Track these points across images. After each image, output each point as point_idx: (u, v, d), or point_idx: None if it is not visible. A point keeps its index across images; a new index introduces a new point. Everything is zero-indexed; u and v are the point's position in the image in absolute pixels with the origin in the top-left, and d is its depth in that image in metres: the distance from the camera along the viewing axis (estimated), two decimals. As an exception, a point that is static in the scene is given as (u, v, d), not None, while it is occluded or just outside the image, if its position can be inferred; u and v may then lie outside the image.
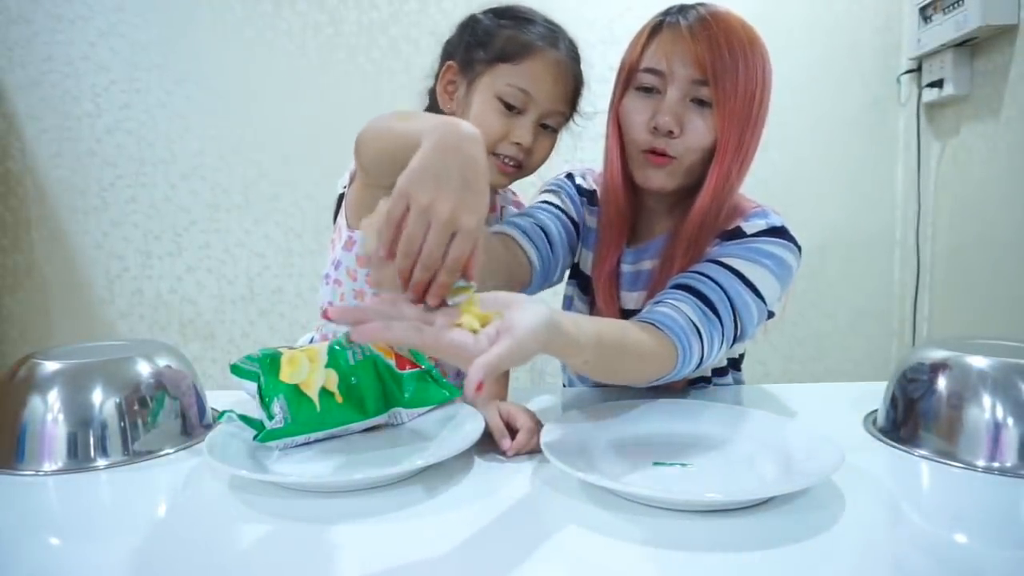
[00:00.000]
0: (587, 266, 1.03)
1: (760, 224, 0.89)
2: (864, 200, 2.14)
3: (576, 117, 1.01)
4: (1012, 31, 1.65)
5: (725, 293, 0.82)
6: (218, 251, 2.14)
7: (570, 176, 1.07)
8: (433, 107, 1.06)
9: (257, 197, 2.11)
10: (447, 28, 1.08)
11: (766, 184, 2.14)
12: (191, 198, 2.11)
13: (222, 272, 2.15)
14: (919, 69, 2.02)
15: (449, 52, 1.02)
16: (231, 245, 2.13)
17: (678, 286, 0.83)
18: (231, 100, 2.08)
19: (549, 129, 0.97)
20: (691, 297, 0.81)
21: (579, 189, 1.05)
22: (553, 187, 1.05)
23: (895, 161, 2.12)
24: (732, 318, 0.82)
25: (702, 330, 0.79)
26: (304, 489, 0.66)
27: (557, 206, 1.00)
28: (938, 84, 1.89)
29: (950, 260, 1.99)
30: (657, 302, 0.82)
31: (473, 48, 0.97)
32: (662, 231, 0.98)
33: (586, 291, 1.03)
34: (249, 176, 2.10)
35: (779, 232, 0.89)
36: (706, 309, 0.81)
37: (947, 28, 1.78)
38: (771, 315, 0.90)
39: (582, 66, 0.98)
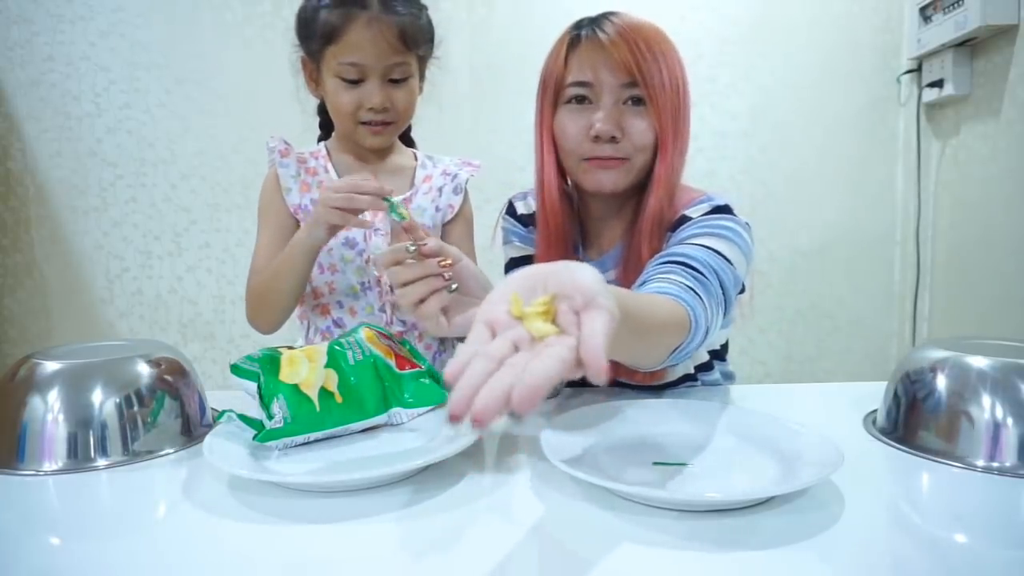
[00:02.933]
0: None
1: (704, 207, 0.90)
2: (864, 200, 2.14)
3: (430, 51, 1.06)
4: (1012, 31, 1.65)
5: (701, 259, 0.79)
6: (218, 251, 2.14)
7: (510, 208, 1.09)
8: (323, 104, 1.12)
9: (257, 197, 2.11)
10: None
11: (766, 185, 2.14)
12: (191, 198, 2.11)
13: (222, 272, 2.15)
14: (919, 69, 2.02)
15: (300, 45, 1.07)
16: (231, 245, 2.13)
17: (657, 264, 0.80)
18: (231, 100, 2.08)
19: (400, 80, 1.02)
20: (675, 266, 0.77)
21: (522, 219, 1.07)
22: (505, 239, 1.09)
23: (895, 161, 2.12)
24: (717, 281, 0.78)
25: (700, 292, 0.74)
26: (304, 489, 0.66)
27: (517, 259, 1.05)
28: (938, 84, 1.89)
29: (950, 260, 1.99)
30: (643, 282, 0.77)
31: (306, 40, 1.03)
32: (614, 239, 0.98)
33: None
34: (249, 176, 2.10)
35: (724, 209, 0.89)
36: (695, 273, 0.77)
37: (947, 28, 1.78)
38: (743, 290, 0.90)
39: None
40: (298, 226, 1.09)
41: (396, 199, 0.86)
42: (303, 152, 1.12)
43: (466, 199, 1.15)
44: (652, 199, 0.89)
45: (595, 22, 0.90)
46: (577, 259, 0.95)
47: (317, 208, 0.90)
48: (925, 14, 1.90)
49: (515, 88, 2.03)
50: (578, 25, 0.92)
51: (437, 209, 1.12)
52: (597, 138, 0.88)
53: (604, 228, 0.99)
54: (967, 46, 1.81)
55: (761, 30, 2.08)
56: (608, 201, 0.96)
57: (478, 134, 2.06)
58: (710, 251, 0.82)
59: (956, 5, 1.73)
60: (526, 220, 1.06)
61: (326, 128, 1.17)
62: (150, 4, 2.04)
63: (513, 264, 1.08)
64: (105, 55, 2.05)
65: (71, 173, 2.09)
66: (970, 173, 1.87)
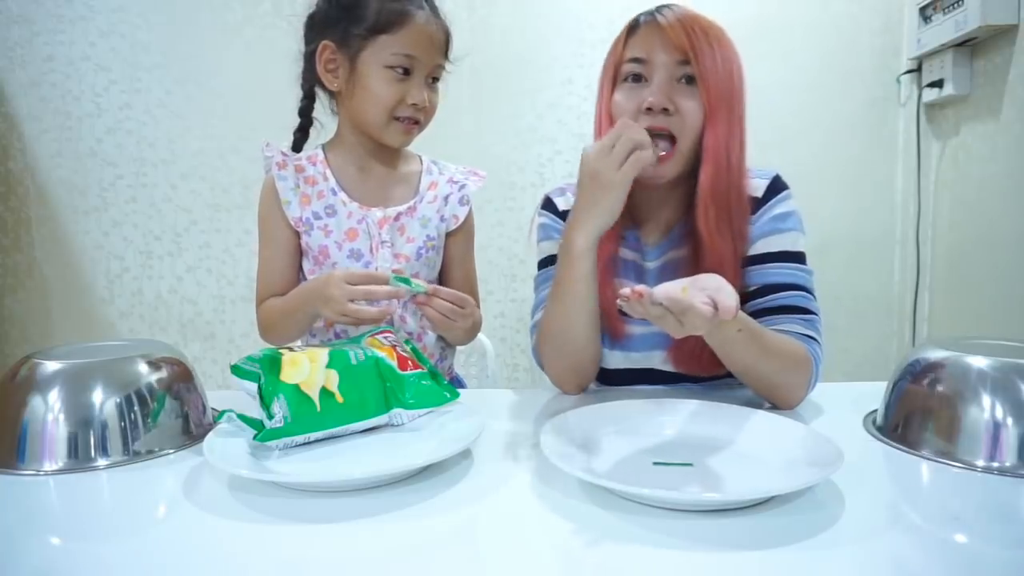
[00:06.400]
0: None
1: (762, 184, 0.99)
2: (864, 200, 2.14)
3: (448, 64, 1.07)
4: (1012, 31, 1.65)
5: (797, 287, 0.93)
6: (218, 251, 2.14)
7: (549, 204, 1.07)
8: (309, 87, 1.10)
9: (257, 197, 2.11)
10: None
11: (766, 184, 2.14)
12: (191, 198, 2.11)
13: (222, 272, 2.15)
14: (919, 69, 2.02)
15: (317, 29, 1.04)
16: (231, 245, 2.13)
17: (766, 311, 0.92)
18: (231, 100, 2.07)
19: (435, 82, 1.04)
20: (785, 316, 0.92)
21: (563, 214, 1.04)
22: (544, 235, 1.06)
23: (895, 161, 2.12)
24: (813, 300, 0.94)
25: (814, 335, 0.91)
26: (304, 489, 0.66)
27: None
28: (938, 84, 1.89)
29: (950, 260, 1.99)
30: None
31: (346, 23, 1.00)
32: (677, 218, 1.00)
33: None
34: (249, 176, 2.10)
35: (780, 184, 1.00)
36: (803, 317, 0.92)
37: (947, 28, 1.78)
38: None
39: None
40: (299, 238, 1.09)
41: (410, 280, 0.94)
42: (300, 159, 1.11)
43: (470, 211, 1.15)
44: (703, 175, 0.92)
45: (657, 9, 0.95)
46: (629, 243, 1.02)
47: (330, 301, 0.92)
48: (925, 14, 1.90)
49: (515, 88, 2.03)
50: (640, 13, 0.97)
51: (442, 219, 1.12)
52: (649, 110, 0.91)
53: (664, 212, 1.01)
54: (967, 46, 1.81)
55: (760, 31, 2.07)
56: (663, 186, 0.97)
57: (478, 134, 2.06)
58: (789, 259, 0.94)
59: (956, 5, 1.73)
60: (565, 214, 1.04)
61: (305, 130, 1.15)
62: (150, 4, 2.04)
63: (553, 260, 1.03)
64: (105, 55, 2.05)
65: (71, 173, 2.09)
66: (970, 173, 1.87)
